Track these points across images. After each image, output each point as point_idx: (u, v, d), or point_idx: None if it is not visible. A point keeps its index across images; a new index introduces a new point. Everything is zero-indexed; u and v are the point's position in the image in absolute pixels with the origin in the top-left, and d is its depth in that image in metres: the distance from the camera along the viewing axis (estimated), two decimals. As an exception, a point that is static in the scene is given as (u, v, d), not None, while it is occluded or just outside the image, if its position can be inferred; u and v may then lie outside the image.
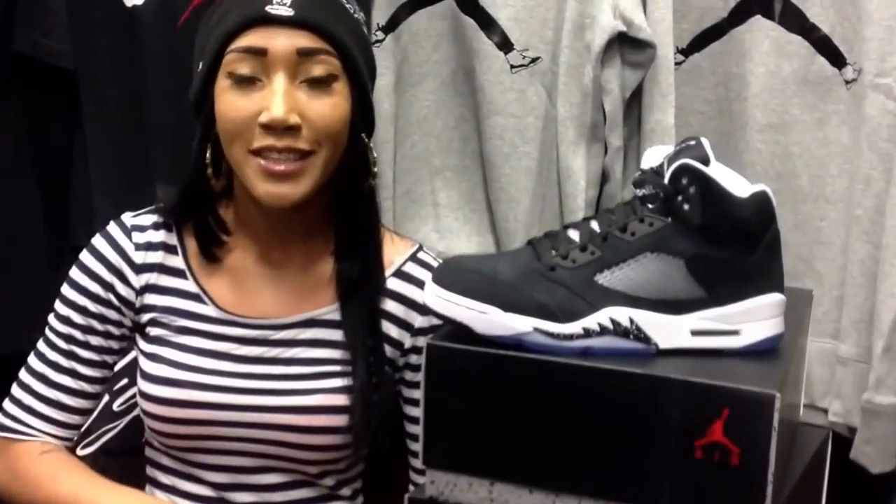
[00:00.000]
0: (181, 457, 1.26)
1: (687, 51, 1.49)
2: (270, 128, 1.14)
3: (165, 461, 1.28)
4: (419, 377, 1.26)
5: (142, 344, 1.27)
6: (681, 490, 0.94)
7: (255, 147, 1.15)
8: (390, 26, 1.52)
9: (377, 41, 1.50)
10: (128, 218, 1.29)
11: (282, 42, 1.14)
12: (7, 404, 1.29)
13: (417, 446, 1.27)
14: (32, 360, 1.28)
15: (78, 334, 1.27)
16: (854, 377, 1.42)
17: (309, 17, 1.14)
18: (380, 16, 1.52)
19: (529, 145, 1.51)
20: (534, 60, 1.49)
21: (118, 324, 1.27)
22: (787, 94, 1.45)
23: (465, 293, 0.99)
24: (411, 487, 1.30)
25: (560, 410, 0.98)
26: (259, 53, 1.14)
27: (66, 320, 1.27)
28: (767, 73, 1.45)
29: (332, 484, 1.28)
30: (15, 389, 1.28)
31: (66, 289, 1.27)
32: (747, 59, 1.46)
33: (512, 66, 1.48)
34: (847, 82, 1.42)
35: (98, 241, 1.28)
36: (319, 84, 1.15)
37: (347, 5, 1.21)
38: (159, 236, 1.27)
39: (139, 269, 1.26)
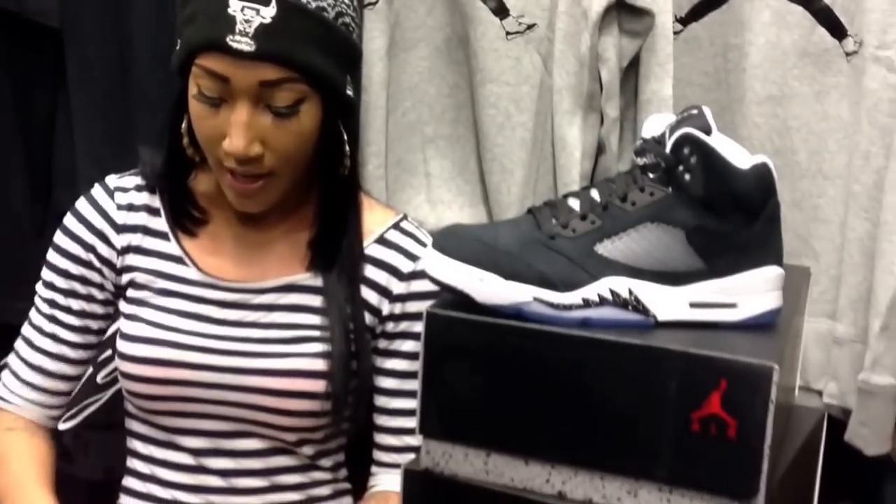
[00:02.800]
0: (158, 422, 1.27)
1: (685, 20, 1.50)
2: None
3: (143, 429, 1.29)
4: (393, 346, 1.28)
5: (122, 305, 1.28)
6: (677, 462, 0.94)
7: (225, 165, 1.17)
8: (383, -12, 1.52)
9: (369, 3, 1.49)
10: (112, 179, 1.30)
11: (244, 73, 1.12)
12: (3, 371, 1.31)
13: (384, 419, 1.30)
14: (24, 326, 1.30)
15: (60, 298, 1.28)
16: (850, 358, 1.44)
17: (271, 49, 1.11)
18: (373, -23, 1.52)
19: (524, 115, 1.51)
20: (530, 27, 1.49)
21: (100, 286, 1.28)
22: (786, 65, 1.46)
23: (465, 260, 0.99)
24: (373, 469, 1.32)
25: (557, 381, 0.97)
26: (222, 79, 1.13)
27: (49, 285, 1.28)
28: (767, 44, 1.46)
29: (311, 453, 1.28)
30: (9, 356, 1.31)
31: (50, 253, 1.29)
32: (747, 29, 1.47)
33: (507, 33, 1.48)
34: (847, 54, 1.43)
35: (81, 203, 1.29)
36: (284, 114, 1.15)
37: (318, 3, 1.17)
38: (142, 198, 1.28)
39: (121, 229, 1.27)
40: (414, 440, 1.25)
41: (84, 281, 1.27)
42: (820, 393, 1.47)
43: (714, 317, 1.01)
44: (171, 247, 1.27)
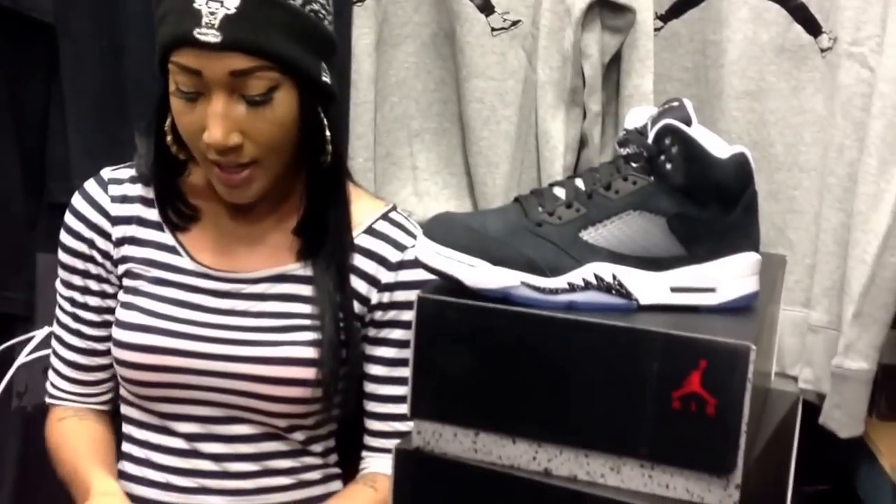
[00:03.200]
0: (152, 408, 1.28)
1: (666, 17, 1.51)
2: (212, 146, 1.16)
3: (138, 415, 1.30)
4: (382, 334, 1.28)
5: (119, 294, 1.30)
6: (659, 439, 0.96)
7: (209, 158, 1.18)
8: (372, -14, 1.53)
9: (359, 1, 1.51)
10: (106, 172, 1.31)
11: (213, 65, 1.13)
12: (48, 372, 1.36)
13: (373, 405, 1.30)
14: (54, 325, 1.34)
15: (77, 296, 1.31)
16: (824, 344, 1.45)
17: (238, 38, 1.13)
18: (362, -25, 1.53)
19: (509, 109, 1.52)
20: (514, 24, 1.51)
21: (108, 280, 1.30)
22: (763, 61, 1.47)
23: (454, 247, 1.00)
24: (364, 453, 1.33)
25: (544, 362, 0.99)
26: (195, 73, 1.14)
27: (67, 284, 1.32)
28: (745, 40, 1.47)
29: (302, 439, 1.29)
30: (49, 356, 1.35)
31: (59, 253, 1.31)
32: (725, 25, 1.47)
33: (493, 29, 1.50)
34: (822, 51, 1.45)
35: (76, 199, 1.31)
36: (258, 102, 1.16)
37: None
38: (136, 189, 1.30)
39: (115, 220, 1.29)
40: (403, 426, 1.27)
41: (93, 277, 1.30)
42: (795, 378, 1.48)
43: (694, 301, 1.03)
44: (165, 237, 1.28)
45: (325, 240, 1.26)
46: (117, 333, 1.26)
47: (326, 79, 1.22)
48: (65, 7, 1.52)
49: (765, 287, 1.09)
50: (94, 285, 1.30)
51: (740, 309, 1.05)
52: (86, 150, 1.55)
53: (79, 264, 1.29)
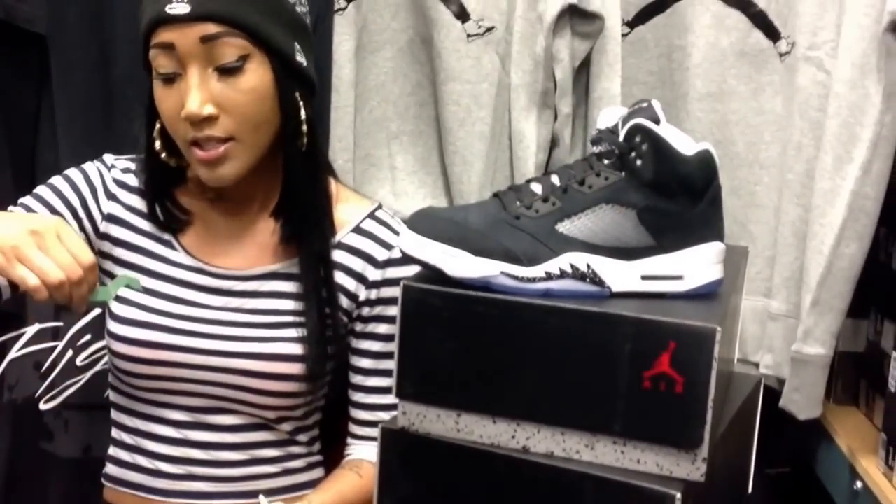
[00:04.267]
0: (144, 397, 1.30)
1: (633, 23, 1.54)
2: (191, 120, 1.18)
3: (129, 404, 1.32)
4: (368, 328, 1.29)
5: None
6: (631, 416, 0.99)
7: (188, 138, 1.20)
8: (352, -6, 1.55)
9: (339, 9, 1.54)
10: (109, 158, 1.35)
11: (184, 35, 1.17)
12: None
13: (359, 396, 1.32)
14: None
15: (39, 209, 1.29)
16: (784, 332, 1.47)
17: (205, 8, 1.17)
18: (343, -17, 1.54)
19: (483, 111, 1.54)
20: (489, 30, 1.53)
21: (80, 226, 1.30)
22: (725, 65, 1.49)
23: (437, 238, 1.03)
24: (349, 440, 1.35)
25: (522, 346, 1.02)
26: (170, 48, 1.18)
27: (38, 198, 1.30)
28: (707, 45, 1.49)
29: (289, 429, 1.32)
30: None
31: (40, 189, 1.31)
32: (689, 31, 1.50)
33: (468, 35, 1.52)
34: (781, 55, 1.47)
35: (83, 165, 1.34)
36: (231, 70, 1.19)
37: None
38: (135, 181, 1.33)
39: (111, 195, 1.32)
40: (387, 415, 1.28)
41: (71, 211, 1.30)
42: (757, 365, 1.51)
43: (663, 288, 1.07)
44: (160, 230, 1.31)
45: (305, 227, 1.27)
46: (114, 327, 1.28)
47: (301, 59, 1.24)
48: (56, 19, 1.52)
49: (728, 277, 1.12)
50: (66, 213, 1.29)
51: (706, 295, 1.08)
52: (73, 153, 1.53)
53: (58, 203, 1.29)
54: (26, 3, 1.51)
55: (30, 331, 1.57)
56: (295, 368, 1.26)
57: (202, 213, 1.32)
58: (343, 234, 1.31)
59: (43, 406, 1.58)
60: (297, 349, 1.27)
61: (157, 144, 1.27)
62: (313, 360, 1.26)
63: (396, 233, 1.31)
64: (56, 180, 1.31)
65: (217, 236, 1.32)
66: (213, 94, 1.19)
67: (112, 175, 1.33)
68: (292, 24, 1.24)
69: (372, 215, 1.33)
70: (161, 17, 1.17)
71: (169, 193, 1.31)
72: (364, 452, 1.33)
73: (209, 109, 1.18)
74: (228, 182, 1.23)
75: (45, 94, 1.58)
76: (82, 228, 1.30)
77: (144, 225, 1.32)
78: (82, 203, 1.31)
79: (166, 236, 1.31)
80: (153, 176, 1.30)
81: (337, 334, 1.30)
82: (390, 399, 1.09)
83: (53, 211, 1.28)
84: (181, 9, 1.17)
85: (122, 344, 1.28)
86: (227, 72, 1.18)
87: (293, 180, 1.26)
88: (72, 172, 1.32)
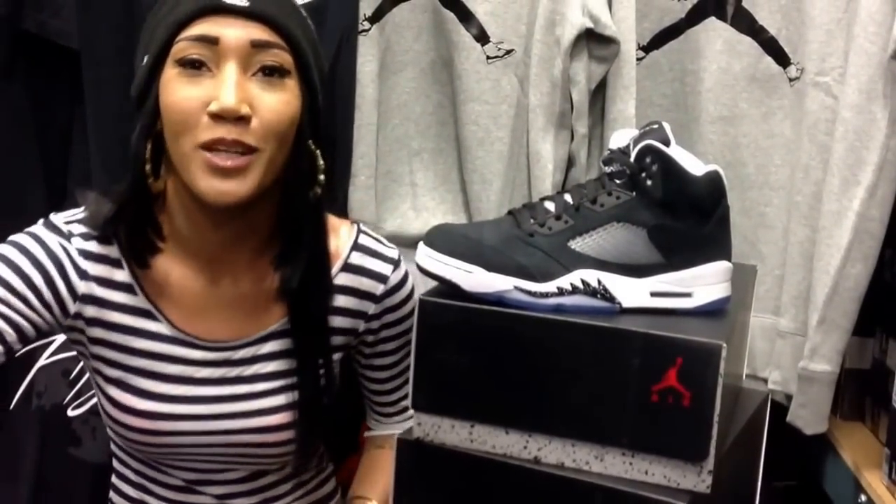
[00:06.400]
0: (148, 459, 1.25)
1: (647, 48, 1.55)
2: (220, 118, 1.06)
3: (132, 462, 1.27)
4: (378, 348, 1.30)
5: (102, 367, 1.20)
6: (639, 429, 1.01)
7: (203, 141, 1.07)
8: (376, 17, 1.57)
9: (363, 30, 1.56)
10: (59, 221, 1.18)
11: (235, 32, 1.08)
12: None
13: (381, 397, 1.34)
14: None
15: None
16: (792, 349, 1.48)
17: (264, 9, 1.09)
18: (366, 6, 1.56)
19: (502, 131, 1.56)
20: (508, 52, 1.55)
21: (40, 317, 1.15)
22: (736, 89, 1.51)
23: (453, 254, 1.05)
24: (371, 423, 1.38)
25: (534, 359, 1.04)
26: (211, 42, 1.08)
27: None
28: (719, 70, 1.51)
29: (296, 465, 1.29)
30: None
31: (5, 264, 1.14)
32: (701, 56, 1.51)
33: (488, 57, 1.54)
34: (791, 80, 1.49)
35: (41, 230, 1.17)
36: (272, 75, 1.10)
37: (299, 6, 1.17)
38: (99, 248, 1.18)
39: (82, 274, 1.17)
40: (408, 402, 1.18)
41: (25, 302, 1.14)
42: (766, 380, 1.51)
43: (672, 304, 1.09)
44: (137, 300, 1.18)
45: (307, 292, 1.19)
46: (112, 412, 1.20)
47: (320, 104, 1.17)
48: (89, 34, 1.53)
49: (737, 295, 1.14)
50: (17, 304, 1.13)
51: (713, 312, 1.10)
52: (107, 171, 1.55)
53: (17, 282, 1.13)
54: (59, 17, 1.52)
55: (58, 339, 1.57)
56: (288, 417, 1.22)
57: (183, 278, 1.19)
58: (334, 274, 1.24)
59: (70, 413, 1.59)
60: (288, 398, 1.22)
61: (148, 168, 1.12)
62: (302, 423, 1.23)
63: (385, 258, 1.26)
64: (11, 253, 1.14)
65: (203, 303, 1.20)
66: (249, 94, 1.08)
67: (75, 245, 1.16)
68: (319, 62, 1.18)
69: (356, 246, 1.26)
70: (212, 5, 1.07)
71: (150, 217, 1.16)
72: (383, 431, 1.36)
73: (246, 109, 1.07)
74: (236, 199, 1.09)
75: (77, 109, 1.59)
76: (45, 306, 1.15)
77: (119, 297, 1.18)
78: (48, 282, 1.15)
79: (145, 306, 1.18)
80: (136, 196, 1.14)
81: (331, 382, 1.26)
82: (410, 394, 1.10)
83: (13, 291, 1.13)
84: (239, 0, 1.08)
85: (122, 427, 1.21)
86: (268, 74, 1.09)
87: (297, 232, 1.17)
88: (29, 244, 1.15)
